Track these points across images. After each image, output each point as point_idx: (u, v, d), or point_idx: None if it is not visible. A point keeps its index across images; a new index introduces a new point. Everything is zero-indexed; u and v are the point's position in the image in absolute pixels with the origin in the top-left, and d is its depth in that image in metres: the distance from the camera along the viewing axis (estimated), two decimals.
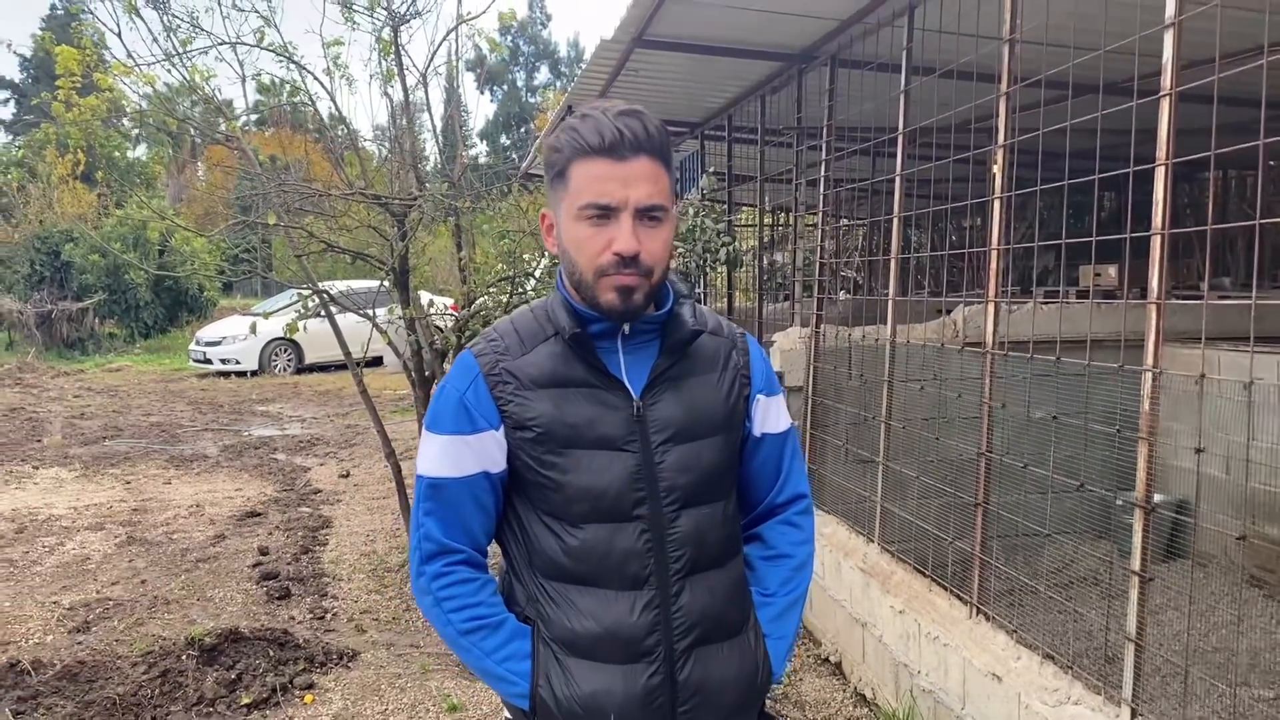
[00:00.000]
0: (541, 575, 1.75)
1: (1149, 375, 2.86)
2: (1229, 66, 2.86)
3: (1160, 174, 2.82)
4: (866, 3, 5.04)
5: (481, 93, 56.17)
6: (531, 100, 54.37)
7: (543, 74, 57.06)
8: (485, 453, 1.73)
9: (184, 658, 4.78)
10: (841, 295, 10.06)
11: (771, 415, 1.91)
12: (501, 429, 1.72)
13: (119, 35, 5.57)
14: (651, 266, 1.66)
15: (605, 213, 1.62)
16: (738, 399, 1.83)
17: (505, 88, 55.18)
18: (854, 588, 4.72)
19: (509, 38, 54.20)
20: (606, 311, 1.67)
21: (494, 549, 1.85)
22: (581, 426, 1.69)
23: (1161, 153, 2.82)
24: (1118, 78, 5.55)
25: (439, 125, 6.30)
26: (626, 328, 1.73)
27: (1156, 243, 2.84)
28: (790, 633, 1.93)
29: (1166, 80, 2.82)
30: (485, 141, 53.32)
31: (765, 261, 8.53)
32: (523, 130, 51.67)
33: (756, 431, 1.89)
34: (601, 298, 1.65)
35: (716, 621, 1.77)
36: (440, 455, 1.75)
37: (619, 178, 1.61)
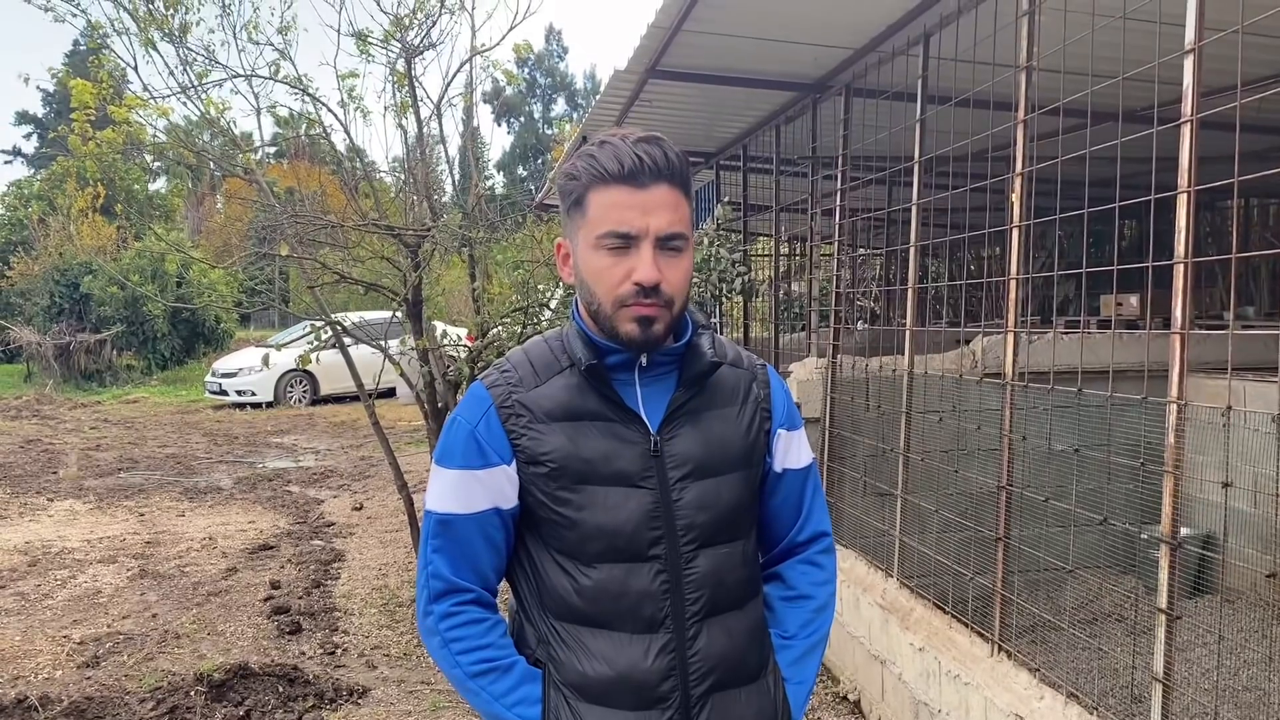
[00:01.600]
0: (553, 616, 1.69)
1: (1174, 407, 2.78)
2: (1250, 93, 2.81)
3: (1183, 201, 2.76)
4: (880, 31, 5.02)
5: (498, 124, 56.49)
6: (548, 132, 54.71)
7: (559, 106, 57.47)
8: (497, 488, 1.68)
9: (193, 694, 4.72)
10: (859, 325, 10.00)
11: (793, 450, 1.85)
12: (514, 464, 1.67)
13: (135, 69, 5.61)
14: (672, 296, 1.61)
15: (625, 241, 1.58)
16: (758, 433, 1.77)
17: (522, 119, 55.57)
18: (873, 624, 4.63)
19: (526, 70, 54.73)
20: (626, 342, 1.62)
21: (503, 588, 1.79)
22: (597, 461, 1.64)
23: (1184, 180, 2.76)
24: (1137, 105, 5.51)
25: (454, 156, 6.31)
26: (644, 359, 1.67)
27: (1180, 271, 2.78)
28: (810, 677, 1.86)
29: (1187, 107, 2.77)
30: (502, 173, 53.66)
31: (781, 292, 8.48)
32: (539, 161, 51.99)
33: (778, 467, 1.83)
34: (621, 328, 1.61)
35: (734, 666, 1.71)
36: (450, 490, 1.69)
37: (639, 205, 1.57)
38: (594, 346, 1.66)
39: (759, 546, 1.87)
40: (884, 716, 4.44)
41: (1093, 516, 3.50)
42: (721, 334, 9.37)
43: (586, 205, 1.61)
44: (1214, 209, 12.27)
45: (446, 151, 6.81)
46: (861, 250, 10.12)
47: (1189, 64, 2.79)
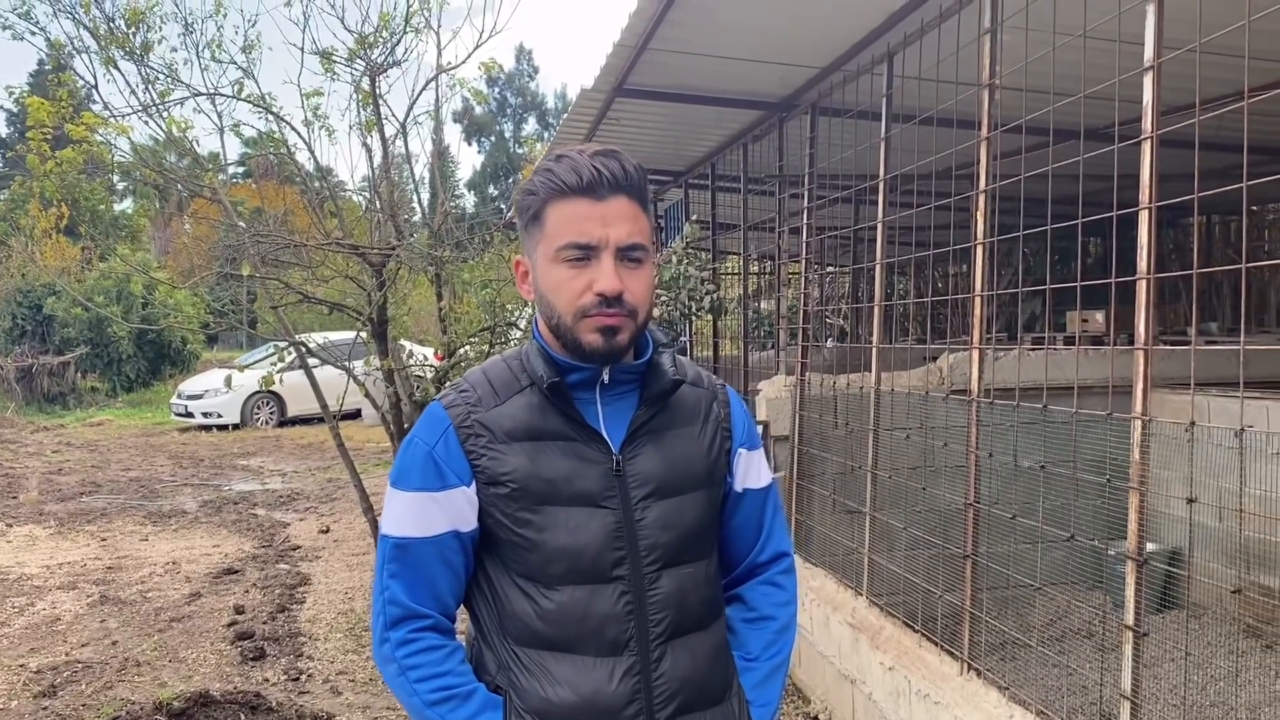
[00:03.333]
0: (514, 641, 1.65)
1: (1138, 423, 2.78)
2: (1209, 111, 2.83)
3: (1144, 218, 2.77)
4: (845, 50, 5.04)
5: (469, 143, 56.44)
6: (519, 151, 54.72)
7: (530, 125, 57.56)
8: (455, 510, 1.64)
9: None
10: (829, 343, 10.02)
11: (753, 470, 1.84)
12: (473, 485, 1.63)
13: (95, 88, 5.54)
14: (635, 306, 1.59)
15: (585, 253, 1.56)
16: (719, 453, 1.76)
17: (493, 138, 55.59)
18: (842, 643, 4.60)
19: (496, 89, 54.78)
20: (589, 354, 1.60)
21: (462, 613, 1.75)
22: (558, 482, 1.61)
23: (1145, 196, 2.77)
24: (1099, 123, 5.56)
25: (423, 175, 6.28)
26: (605, 377, 1.64)
27: (1143, 287, 2.79)
28: (775, 699, 1.84)
29: (1147, 124, 2.79)
30: (472, 192, 53.59)
31: (750, 310, 8.49)
32: (510, 181, 51.97)
33: (738, 487, 1.81)
34: (584, 339, 1.58)
35: (699, 688, 1.68)
36: (406, 513, 1.65)
37: (598, 217, 1.56)
38: (555, 364, 1.64)
39: (720, 567, 1.84)
40: None
41: (1060, 533, 3.50)
42: (691, 352, 9.37)
43: (545, 219, 1.59)
44: (1177, 226, 12.44)
45: (413, 170, 6.77)
46: (830, 268, 10.16)
47: (1148, 82, 2.81)
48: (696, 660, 1.68)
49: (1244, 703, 4.19)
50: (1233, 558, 4.75)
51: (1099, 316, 7.29)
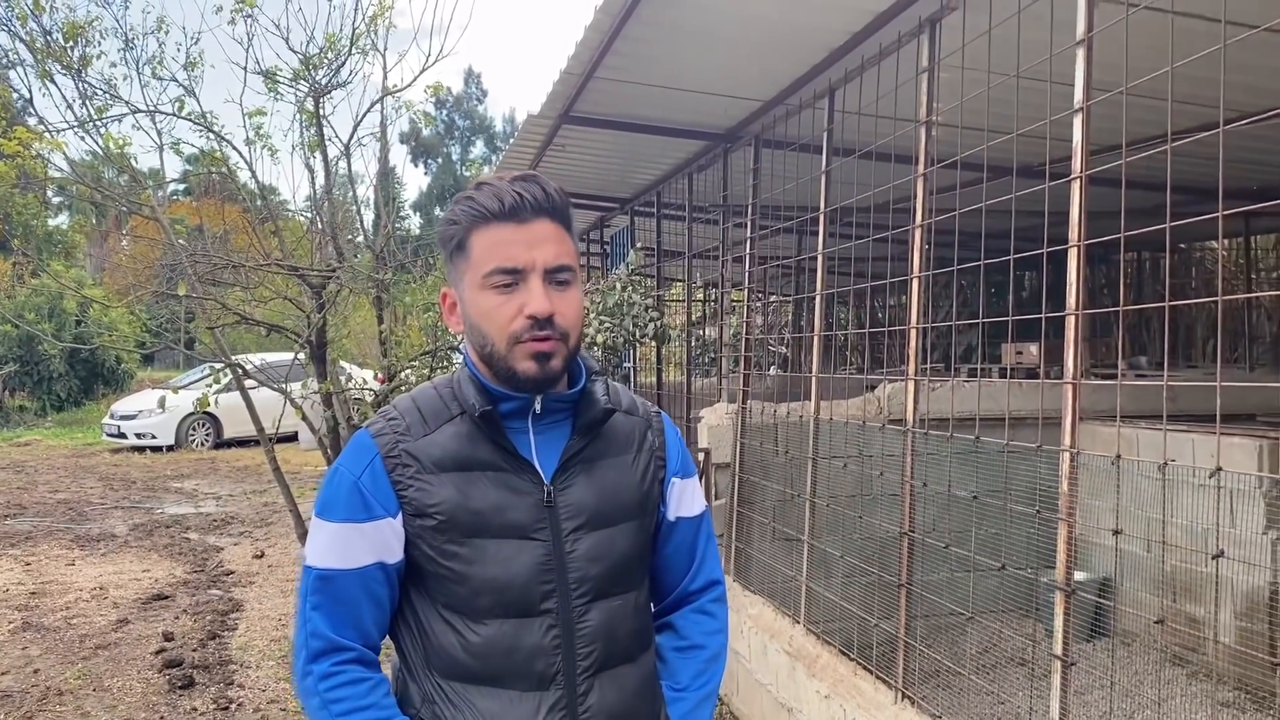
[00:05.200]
0: (439, 675, 1.62)
1: (1067, 455, 2.84)
2: (1137, 151, 2.92)
3: (1073, 255, 2.85)
4: (788, 85, 5.12)
5: (415, 165, 56.16)
6: (466, 174, 54.57)
7: (479, 148, 57.47)
8: (381, 542, 1.60)
9: None
10: (772, 371, 10.09)
11: (686, 498, 1.83)
12: (400, 516, 1.60)
13: (30, 101, 5.44)
14: (567, 329, 1.58)
15: (513, 277, 1.55)
16: (652, 482, 1.75)
17: (439, 160, 55.39)
18: (780, 671, 4.61)
19: (444, 111, 54.65)
20: (523, 381, 1.58)
21: (387, 644, 1.73)
22: (487, 513, 1.58)
23: (1074, 234, 2.85)
24: (1033, 161, 5.70)
25: (367, 196, 6.24)
26: (538, 406, 1.63)
27: (1071, 323, 2.86)
28: None
29: (1076, 164, 2.87)
30: (419, 213, 53.31)
31: (694, 337, 8.53)
32: None
33: (671, 515, 1.81)
34: (518, 367, 1.57)
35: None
36: (330, 545, 1.61)
37: (523, 241, 1.56)
38: (488, 393, 1.62)
39: (652, 595, 1.84)
40: None
41: (992, 563, 3.55)
42: (635, 378, 9.36)
43: (469, 247, 1.59)
44: (1108, 262, 12.76)
45: (355, 191, 6.72)
46: (773, 296, 10.26)
47: (1078, 123, 2.89)
48: (625, 693, 1.67)
49: None
50: (1159, 587, 4.86)
51: (1033, 349, 7.45)
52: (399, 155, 52.85)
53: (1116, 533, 3.05)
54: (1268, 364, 10.61)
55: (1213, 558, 3.22)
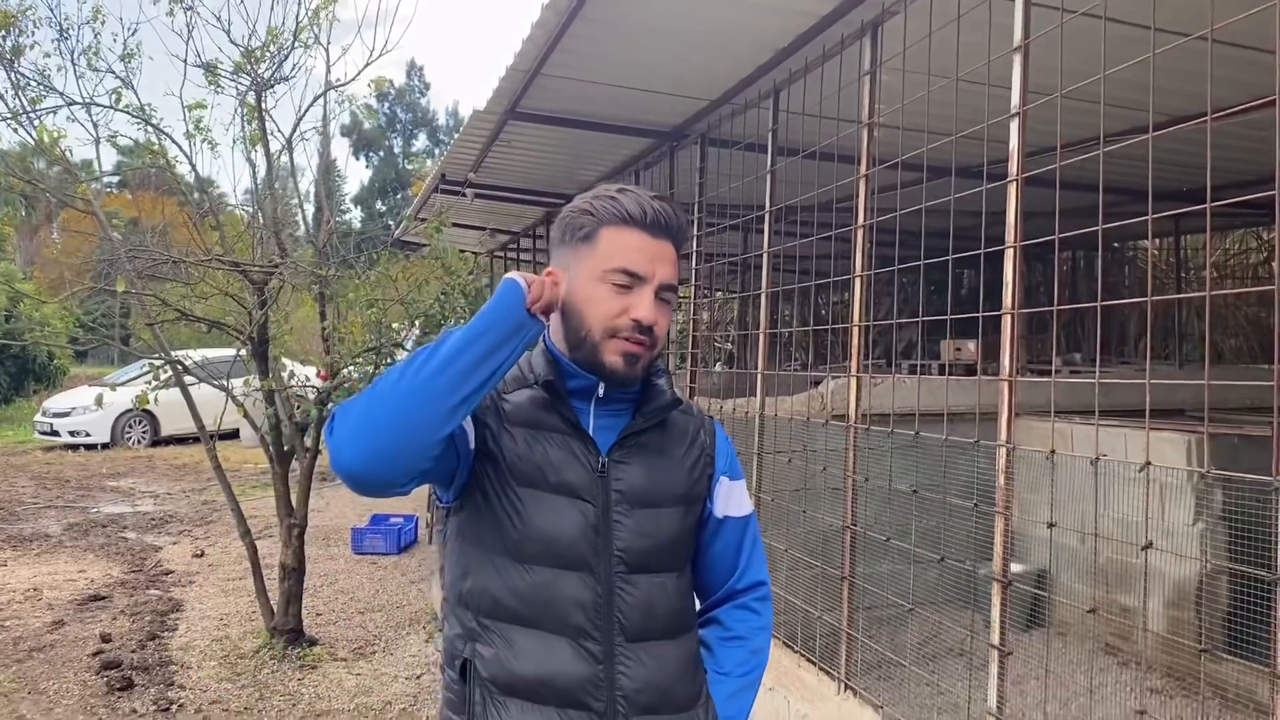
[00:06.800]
0: (483, 614, 1.71)
1: (1003, 450, 2.92)
2: (1071, 155, 3.00)
3: (1009, 256, 2.92)
4: (734, 85, 5.16)
5: (356, 158, 55.43)
6: (408, 167, 53.99)
7: (421, 141, 56.81)
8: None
9: None
10: (717, 367, 10.16)
11: (734, 499, 1.92)
12: (473, 436, 1.68)
13: None
14: (658, 339, 1.71)
15: (632, 280, 1.67)
16: (701, 476, 1.85)
17: (381, 154, 54.71)
18: None
19: (386, 104, 53.99)
20: (609, 372, 1.69)
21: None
22: (546, 469, 1.69)
23: (1010, 236, 2.92)
24: (975, 162, 5.82)
25: (309, 189, 6.17)
26: (601, 390, 1.73)
27: (1008, 321, 2.93)
28: (743, 713, 1.90)
29: (1013, 167, 2.94)
30: (359, 207, 52.62)
31: None
32: (399, 196, 51.21)
33: (719, 513, 1.90)
34: (606, 358, 1.68)
35: (664, 693, 1.74)
36: None
37: (651, 252, 1.68)
38: (558, 366, 1.73)
39: (699, 593, 1.93)
40: None
41: (933, 556, 3.63)
42: None
43: (598, 240, 1.69)
44: (1044, 260, 13.03)
45: (296, 185, 6.65)
46: (719, 293, 10.32)
47: (1014, 127, 2.97)
48: (664, 666, 1.74)
49: (1100, 717, 4.40)
50: (1092, 577, 5.00)
51: (970, 346, 7.59)
52: (341, 149, 52.21)
53: (1051, 525, 3.14)
54: (1196, 360, 10.93)
55: (1142, 549, 3.33)
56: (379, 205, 51.74)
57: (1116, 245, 12.35)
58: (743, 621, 1.95)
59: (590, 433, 1.74)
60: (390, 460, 1.52)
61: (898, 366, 8.24)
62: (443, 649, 1.80)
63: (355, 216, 50.28)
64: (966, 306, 11.90)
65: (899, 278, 3.77)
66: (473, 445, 1.69)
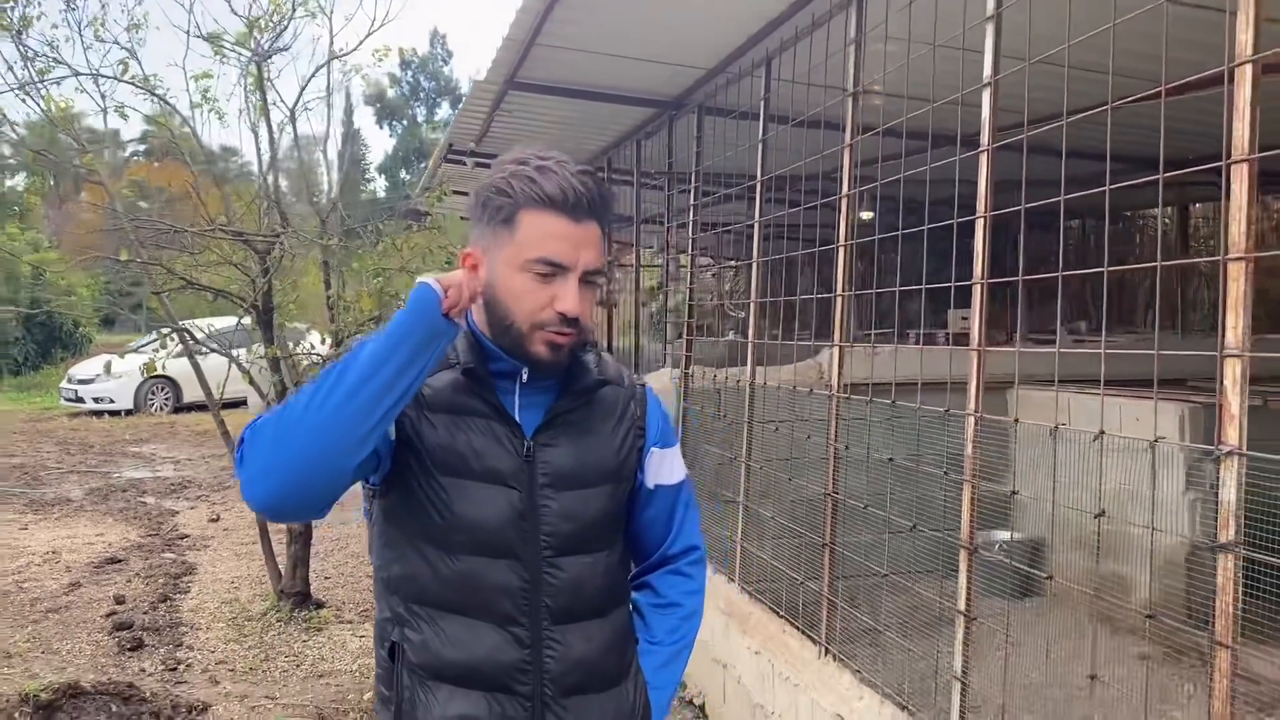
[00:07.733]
0: (411, 600, 1.70)
1: (970, 420, 2.95)
2: (1038, 126, 2.99)
3: (979, 226, 2.93)
4: (729, 53, 5.16)
5: (381, 127, 55.44)
6: (432, 136, 53.96)
7: (444, 110, 56.67)
8: None
9: (17, 716, 4.53)
10: (730, 335, 10.17)
11: (665, 467, 1.90)
12: (392, 427, 1.62)
13: None
14: (585, 328, 1.67)
15: (554, 270, 1.61)
16: (630, 450, 1.82)
17: (405, 123, 54.73)
18: (715, 629, 4.74)
19: (409, 73, 53.91)
20: (535, 362, 1.65)
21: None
22: (470, 457, 1.65)
23: (981, 206, 2.93)
24: (967, 130, 5.77)
25: (333, 159, 6.24)
26: (524, 374, 1.69)
27: (977, 291, 2.95)
28: (673, 682, 1.92)
29: (985, 137, 2.95)
30: (384, 175, 52.72)
31: (645, 304, 8.60)
32: (422, 165, 51.24)
33: (649, 483, 1.88)
34: (532, 349, 1.64)
35: (592, 672, 1.74)
36: None
37: (574, 239, 1.61)
38: (481, 350, 1.69)
39: (633, 557, 1.93)
40: (725, 719, 4.56)
41: (910, 523, 3.66)
42: None
43: (517, 225, 1.61)
44: (1049, 229, 12.90)
45: (310, 155, 6.71)
46: (725, 261, 10.32)
47: (987, 96, 2.97)
48: (591, 645, 1.74)
49: (1075, 684, 4.42)
50: (1086, 546, 5.01)
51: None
52: (366, 118, 52.24)
53: (1013, 493, 3.17)
54: (1206, 329, 10.82)
55: (1095, 516, 3.36)
56: (403, 174, 51.80)
57: (1128, 214, 12.23)
58: (675, 586, 1.95)
59: (515, 416, 1.70)
60: (302, 495, 1.49)
61: (904, 337, 8.24)
62: (374, 629, 1.79)
63: (379, 185, 50.40)
64: (959, 276, 11.76)
65: (876, 249, 3.77)
66: (393, 436, 1.64)
